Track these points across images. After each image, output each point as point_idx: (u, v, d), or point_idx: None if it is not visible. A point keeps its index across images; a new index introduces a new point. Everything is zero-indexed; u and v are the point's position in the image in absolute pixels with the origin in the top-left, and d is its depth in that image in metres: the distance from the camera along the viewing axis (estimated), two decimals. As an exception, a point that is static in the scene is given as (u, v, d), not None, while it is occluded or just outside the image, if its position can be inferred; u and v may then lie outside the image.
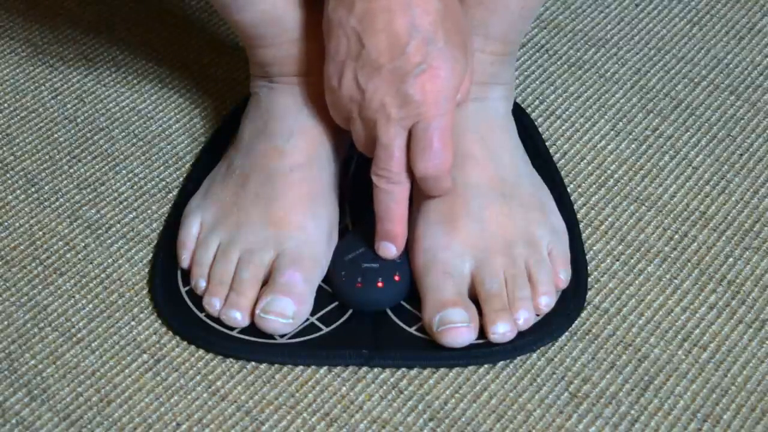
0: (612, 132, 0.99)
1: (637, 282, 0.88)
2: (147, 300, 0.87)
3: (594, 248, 0.90)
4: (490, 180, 0.86)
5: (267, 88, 0.90)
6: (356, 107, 0.82)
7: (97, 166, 0.97)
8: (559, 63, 1.06)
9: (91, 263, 0.89)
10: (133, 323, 0.85)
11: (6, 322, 0.85)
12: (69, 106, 1.02)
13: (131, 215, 0.93)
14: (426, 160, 0.81)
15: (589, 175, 0.96)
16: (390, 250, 0.85)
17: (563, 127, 1.00)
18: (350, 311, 0.84)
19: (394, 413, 0.80)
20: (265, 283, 0.84)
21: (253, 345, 0.82)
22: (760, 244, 0.90)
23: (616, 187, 0.95)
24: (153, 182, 0.96)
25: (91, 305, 0.86)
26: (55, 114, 1.02)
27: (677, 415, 0.79)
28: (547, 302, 0.84)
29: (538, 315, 0.83)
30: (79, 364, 0.83)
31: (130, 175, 0.96)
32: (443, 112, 0.80)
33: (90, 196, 0.94)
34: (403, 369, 0.82)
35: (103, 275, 0.88)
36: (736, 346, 0.83)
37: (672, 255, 0.89)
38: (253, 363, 0.82)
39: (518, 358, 0.82)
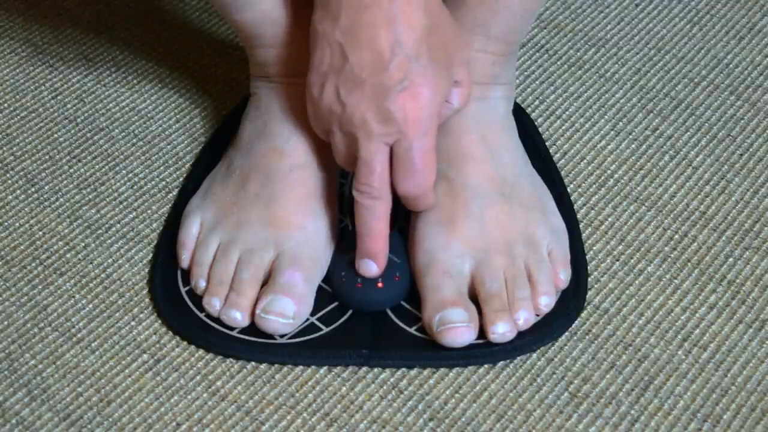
0: (612, 132, 0.99)
1: (637, 282, 0.88)
2: (147, 300, 0.87)
3: (594, 248, 0.90)
4: (490, 180, 0.86)
5: (267, 88, 0.90)
6: (336, 120, 0.81)
7: (97, 166, 0.97)
8: (559, 63, 1.06)
9: (91, 263, 0.89)
10: (133, 323, 0.85)
11: (6, 322, 0.85)
12: (69, 106, 1.02)
13: (131, 215, 0.93)
14: (407, 180, 0.81)
15: (589, 175, 0.96)
16: (371, 268, 0.84)
17: (563, 127, 1.00)
18: (350, 311, 0.84)
19: (394, 413, 0.80)
20: (265, 283, 0.84)
21: (253, 345, 0.82)
22: (760, 244, 0.90)
23: (616, 187, 0.95)
24: (153, 182, 0.96)
25: (91, 305, 0.86)
26: (55, 114, 1.02)
27: (677, 415, 0.79)
28: (546, 302, 0.84)
29: (538, 315, 0.83)
30: (79, 364, 0.83)
31: (130, 175, 0.96)
32: (424, 131, 0.79)
33: (90, 196, 0.94)
34: (403, 369, 0.82)
35: (103, 275, 0.88)
36: (736, 346, 0.83)
37: (672, 255, 0.89)
38: (253, 363, 0.82)
39: (518, 358, 0.82)
